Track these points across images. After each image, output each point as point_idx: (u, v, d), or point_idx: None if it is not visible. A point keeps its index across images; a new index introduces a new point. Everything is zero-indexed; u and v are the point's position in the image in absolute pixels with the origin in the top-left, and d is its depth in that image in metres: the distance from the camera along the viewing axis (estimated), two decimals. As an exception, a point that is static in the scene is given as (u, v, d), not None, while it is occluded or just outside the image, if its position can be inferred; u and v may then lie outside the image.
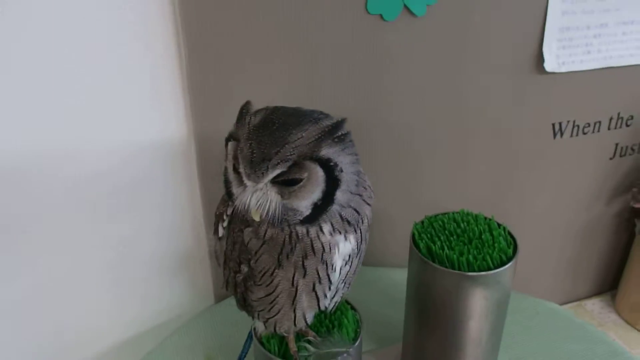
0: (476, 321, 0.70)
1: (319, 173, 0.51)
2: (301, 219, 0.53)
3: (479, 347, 0.73)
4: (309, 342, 0.65)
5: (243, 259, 0.58)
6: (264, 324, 0.63)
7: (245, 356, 0.77)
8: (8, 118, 0.72)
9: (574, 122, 1.08)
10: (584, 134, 1.11)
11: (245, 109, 0.54)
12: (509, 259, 0.67)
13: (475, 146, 1.03)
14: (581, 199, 1.19)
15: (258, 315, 0.62)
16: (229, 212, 0.58)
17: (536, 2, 0.94)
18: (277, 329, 0.62)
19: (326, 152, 0.51)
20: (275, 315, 0.60)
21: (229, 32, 0.79)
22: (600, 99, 1.08)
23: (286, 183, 0.51)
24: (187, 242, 0.92)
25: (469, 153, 1.03)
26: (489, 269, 0.66)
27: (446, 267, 0.66)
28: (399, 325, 0.80)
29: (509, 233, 0.71)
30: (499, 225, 0.72)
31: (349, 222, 0.56)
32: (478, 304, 0.68)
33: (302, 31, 0.82)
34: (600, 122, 1.11)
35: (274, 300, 0.58)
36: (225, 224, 0.60)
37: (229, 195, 0.57)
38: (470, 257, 0.66)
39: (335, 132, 0.51)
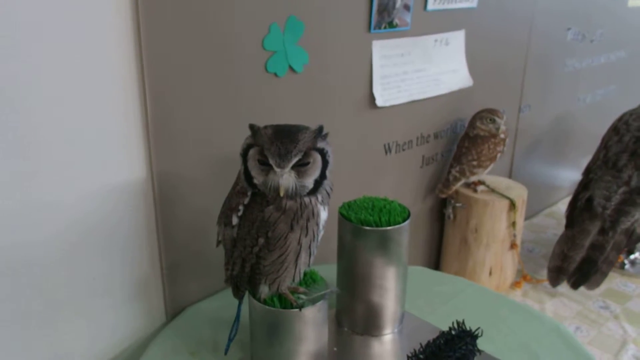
0: (394, 267, 1.02)
1: (318, 158, 0.80)
2: (307, 191, 0.81)
3: (396, 292, 1.05)
4: (301, 293, 0.90)
5: (261, 233, 0.82)
6: (269, 287, 0.87)
7: (234, 336, 0.98)
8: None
9: (396, 142, 1.52)
10: (403, 150, 1.55)
11: (255, 127, 0.80)
12: (408, 217, 1.02)
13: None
14: (406, 199, 1.63)
15: (265, 280, 0.86)
16: (246, 201, 0.83)
17: (365, 61, 1.36)
18: (279, 287, 0.87)
19: (320, 144, 0.80)
20: (282, 273, 0.85)
21: (183, 88, 1.02)
22: (410, 124, 1.54)
23: (300, 166, 0.79)
24: (143, 270, 1.08)
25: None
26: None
27: (372, 227, 0.98)
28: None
29: (400, 204, 1.06)
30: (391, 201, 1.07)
31: (328, 195, 0.85)
32: (395, 250, 1.01)
33: (230, 88, 1.10)
34: (411, 140, 1.57)
35: (285, 259, 0.84)
36: (240, 212, 0.84)
37: (251, 186, 0.82)
38: (386, 218, 0.99)
39: (322, 132, 0.81)
